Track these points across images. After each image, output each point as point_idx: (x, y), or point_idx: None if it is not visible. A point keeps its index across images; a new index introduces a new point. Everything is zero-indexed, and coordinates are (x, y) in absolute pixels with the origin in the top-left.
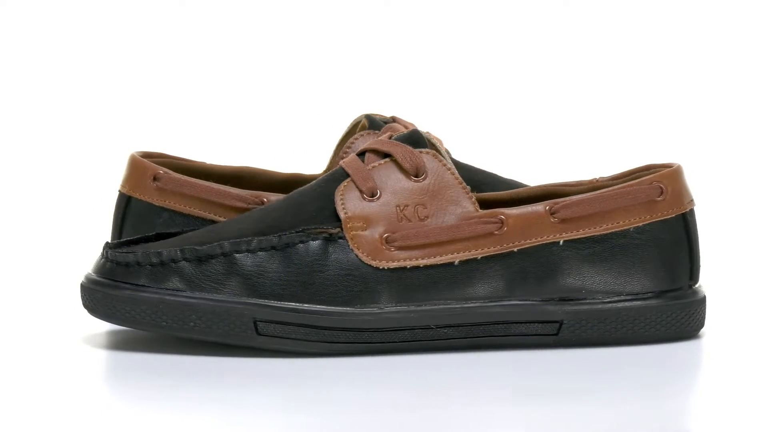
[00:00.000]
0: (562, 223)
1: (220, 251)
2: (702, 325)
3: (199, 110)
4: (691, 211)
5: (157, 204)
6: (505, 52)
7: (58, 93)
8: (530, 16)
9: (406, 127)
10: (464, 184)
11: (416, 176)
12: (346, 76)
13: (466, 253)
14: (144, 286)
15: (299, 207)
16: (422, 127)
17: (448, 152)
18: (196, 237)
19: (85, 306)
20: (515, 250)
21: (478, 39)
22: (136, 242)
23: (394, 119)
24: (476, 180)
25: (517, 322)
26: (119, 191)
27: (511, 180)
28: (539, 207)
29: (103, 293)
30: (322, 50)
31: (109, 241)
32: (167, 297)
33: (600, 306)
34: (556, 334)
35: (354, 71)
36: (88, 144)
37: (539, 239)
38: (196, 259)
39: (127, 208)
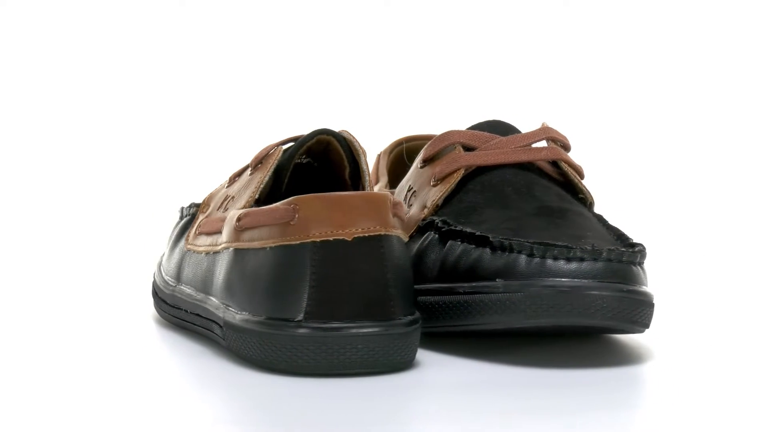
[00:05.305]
0: (240, 231)
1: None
2: (319, 367)
3: None
4: (329, 243)
5: None
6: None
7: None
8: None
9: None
10: (258, 186)
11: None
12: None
13: (210, 245)
14: None
15: None
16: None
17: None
18: None
19: None
20: (220, 249)
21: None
22: None
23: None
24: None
25: (215, 321)
26: None
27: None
28: (237, 212)
29: None
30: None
31: None
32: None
33: (232, 320)
34: (224, 339)
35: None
36: None
37: (227, 243)
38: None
39: None
